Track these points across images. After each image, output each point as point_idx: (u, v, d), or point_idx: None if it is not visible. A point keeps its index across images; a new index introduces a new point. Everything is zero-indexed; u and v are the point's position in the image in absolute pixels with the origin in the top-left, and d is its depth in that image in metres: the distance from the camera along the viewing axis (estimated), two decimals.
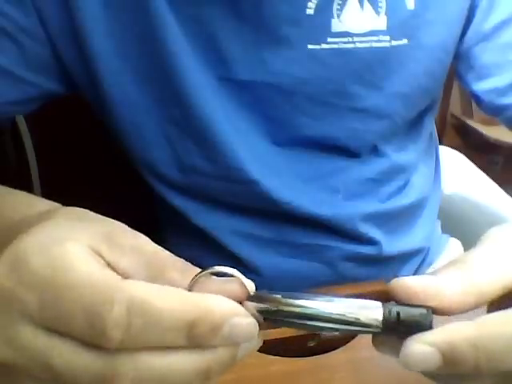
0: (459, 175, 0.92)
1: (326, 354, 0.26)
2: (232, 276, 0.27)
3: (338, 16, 0.52)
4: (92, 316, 0.24)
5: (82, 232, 0.27)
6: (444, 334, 0.25)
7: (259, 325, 0.26)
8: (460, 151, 0.98)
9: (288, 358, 0.26)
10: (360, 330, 0.26)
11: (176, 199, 0.62)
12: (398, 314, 0.25)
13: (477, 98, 0.62)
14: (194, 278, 0.27)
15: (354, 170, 0.61)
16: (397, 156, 0.63)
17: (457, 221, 0.84)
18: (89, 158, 0.85)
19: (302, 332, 0.27)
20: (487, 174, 0.92)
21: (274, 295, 0.26)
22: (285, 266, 0.63)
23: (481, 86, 0.60)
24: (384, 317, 0.25)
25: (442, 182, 0.75)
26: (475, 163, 0.95)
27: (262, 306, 0.26)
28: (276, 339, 0.43)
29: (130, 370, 0.25)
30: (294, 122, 0.57)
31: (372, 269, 0.65)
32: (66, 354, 0.25)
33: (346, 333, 0.26)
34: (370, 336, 0.27)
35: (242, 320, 0.26)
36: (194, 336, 0.25)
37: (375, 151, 0.61)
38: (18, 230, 0.28)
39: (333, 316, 0.25)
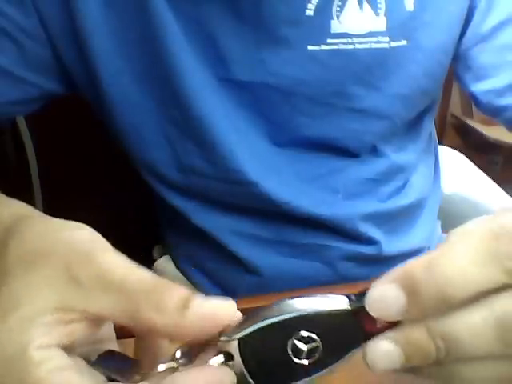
0: (459, 175, 0.91)
1: None
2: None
3: (338, 17, 0.52)
4: None
5: (44, 297, 0.26)
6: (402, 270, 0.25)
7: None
8: (460, 151, 0.98)
9: None
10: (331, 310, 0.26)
11: (176, 199, 0.62)
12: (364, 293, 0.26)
13: (475, 99, 0.62)
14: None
15: (354, 170, 0.61)
16: (396, 156, 0.63)
17: (457, 221, 0.83)
18: (89, 158, 0.85)
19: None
20: (487, 174, 0.92)
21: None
22: (285, 266, 0.63)
23: (479, 87, 0.60)
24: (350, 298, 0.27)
25: (442, 182, 0.75)
26: (475, 163, 0.95)
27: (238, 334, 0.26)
28: None
29: None
30: (294, 122, 0.57)
31: (372, 269, 0.65)
32: None
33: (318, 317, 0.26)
34: None
35: None
36: None
37: (374, 151, 0.61)
38: None
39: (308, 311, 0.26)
